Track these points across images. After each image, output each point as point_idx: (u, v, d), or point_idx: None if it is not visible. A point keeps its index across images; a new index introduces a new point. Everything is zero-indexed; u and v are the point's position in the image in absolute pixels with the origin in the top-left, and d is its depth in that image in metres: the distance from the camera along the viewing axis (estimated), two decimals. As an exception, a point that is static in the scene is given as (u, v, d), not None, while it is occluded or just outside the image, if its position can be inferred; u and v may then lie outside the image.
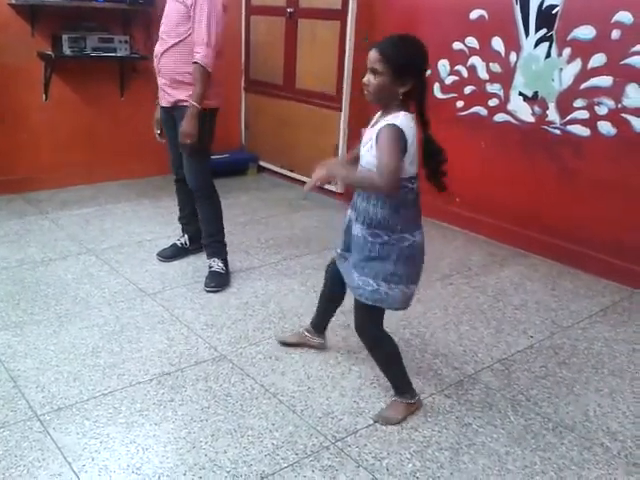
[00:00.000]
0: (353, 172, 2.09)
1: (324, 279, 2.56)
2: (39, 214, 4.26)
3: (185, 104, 3.12)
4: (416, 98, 2.01)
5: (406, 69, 1.96)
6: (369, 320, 2.23)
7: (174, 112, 3.21)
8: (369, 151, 2.02)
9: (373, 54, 1.97)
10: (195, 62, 3.05)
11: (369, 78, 2.00)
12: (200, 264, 3.51)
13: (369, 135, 2.05)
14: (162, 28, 3.16)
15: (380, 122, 2.01)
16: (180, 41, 3.08)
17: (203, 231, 3.42)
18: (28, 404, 2.28)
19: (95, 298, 3.11)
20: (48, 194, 4.64)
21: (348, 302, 2.68)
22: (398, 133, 1.94)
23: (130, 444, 2.10)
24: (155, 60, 3.22)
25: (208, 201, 3.34)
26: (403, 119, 1.97)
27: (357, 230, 2.13)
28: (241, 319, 2.98)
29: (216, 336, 2.81)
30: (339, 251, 2.33)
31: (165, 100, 3.22)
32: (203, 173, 3.29)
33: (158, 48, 3.18)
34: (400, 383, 2.33)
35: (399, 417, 2.28)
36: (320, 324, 2.69)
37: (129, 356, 2.62)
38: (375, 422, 2.27)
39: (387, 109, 2.04)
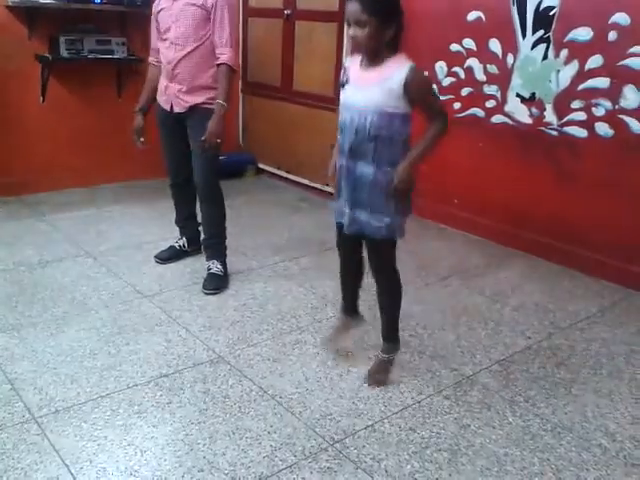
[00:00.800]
0: (415, 152, 2.12)
1: (342, 258, 2.53)
2: (36, 216, 4.26)
3: (203, 106, 3.13)
4: (397, 39, 2.09)
5: (389, 13, 2.02)
6: (393, 256, 2.34)
7: (187, 116, 3.19)
8: (381, 93, 2.05)
9: (353, 6, 2.00)
10: (222, 63, 3.07)
11: (355, 31, 2.02)
12: (198, 266, 3.51)
13: (374, 78, 2.07)
14: (173, 33, 3.07)
15: (385, 68, 2.06)
16: (200, 45, 3.07)
17: (205, 232, 3.41)
18: (25, 406, 2.27)
19: (92, 300, 3.10)
20: (45, 196, 4.63)
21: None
22: (423, 72, 2.10)
23: (128, 446, 2.10)
24: (168, 67, 3.14)
25: (214, 202, 3.33)
26: (409, 60, 2.07)
27: (380, 175, 2.14)
28: (239, 321, 2.97)
29: (214, 338, 2.80)
30: (347, 211, 2.25)
31: (179, 106, 3.18)
32: (213, 173, 3.28)
33: (173, 54, 3.10)
34: (396, 329, 2.50)
35: (390, 376, 2.49)
36: (349, 304, 2.65)
37: (126, 358, 2.61)
38: (368, 385, 2.45)
39: (377, 56, 2.09)
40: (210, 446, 2.11)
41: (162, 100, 3.28)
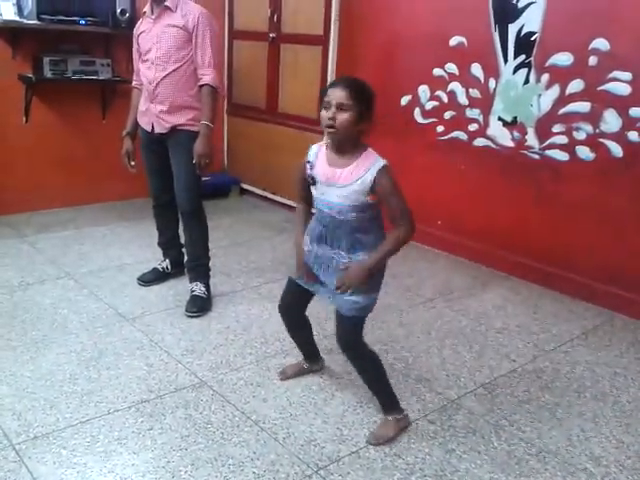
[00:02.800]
0: (375, 256, 2.09)
1: (284, 320, 2.53)
2: (17, 237, 4.20)
3: (185, 127, 3.14)
4: (367, 133, 2.10)
5: (368, 106, 2.05)
6: (359, 333, 2.27)
7: (169, 137, 3.19)
8: (353, 193, 2.05)
9: (339, 91, 2.01)
10: (205, 84, 3.09)
11: (335, 114, 2.01)
12: (181, 288, 3.48)
13: (345, 178, 2.07)
14: (154, 54, 3.10)
15: (355, 167, 2.06)
16: (180, 66, 3.09)
17: (188, 254, 3.39)
18: (3, 432, 2.22)
19: (73, 323, 3.06)
20: (27, 217, 4.59)
21: (330, 326, 2.67)
22: (393, 172, 2.04)
23: (108, 474, 2.05)
24: (149, 87, 3.16)
25: (197, 223, 3.32)
26: (378, 156, 2.07)
27: (357, 257, 2.14)
28: (222, 344, 2.94)
29: (196, 362, 2.77)
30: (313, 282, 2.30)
31: (160, 126, 3.18)
32: (196, 195, 3.28)
33: (154, 75, 3.12)
34: (388, 399, 2.36)
35: (390, 434, 2.30)
36: (310, 352, 2.68)
37: (107, 383, 2.57)
38: (368, 443, 2.26)
39: (343, 147, 2.10)
40: (192, 473, 2.07)
41: (143, 121, 3.28)
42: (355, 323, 2.23)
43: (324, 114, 2.04)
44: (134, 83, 3.38)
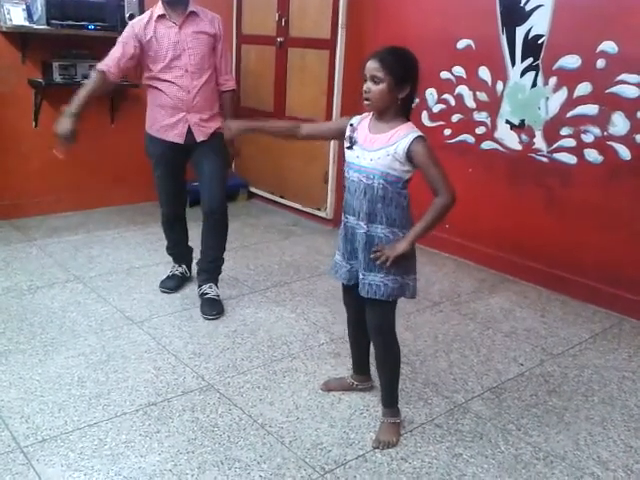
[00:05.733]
0: (418, 227, 2.13)
1: (349, 315, 2.49)
2: (27, 241, 4.23)
3: (220, 131, 3.10)
4: (408, 103, 2.16)
5: (404, 76, 2.09)
6: (393, 317, 2.28)
7: (203, 143, 3.19)
8: (386, 158, 2.08)
9: (373, 63, 2.08)
10: (230, 90, 3.23)
11: (369, 86, 2.09)
12: (188, 291, 3.49)
13: (380, 142, 2.10)
14: (186, 61, 3.05)
15: (393, 133, 2.09)
16: (212, 73, 3.16)
17: (207, 255, 3.35)
18: (12, 435, 2.24)
19: (81, 327, 3.07)
20: (36, 220, 4.62)
21: (337, 329, 2.66)
22: (429, 143, 2.10)
23: (115, 476, 2.06)
24: (187, 96, 3.10)
25: (225, 226, 3.33)
26: (416, 128, 2.11)
27: (377, 231, 2.16)
28: (229, 347, 2.95)
29: (204, 365, 2.78)
30: (345, 263, 2.29)
31: (202, 134, 3.17)
32: (225, 198, 3.31)
33: (191, 83, 3.08)
34: (393, 399, 2.37)
35: (397, 438, 2.31)
36: (362, 365, 2.60)
37: (115, 386, 2.58)
38: (376, 448, 2.26)
39: (384, 115, 2.14)
40: (198, 476, 2.08)
41: (170, 135, 3.17)
42: (386, 305, 2.22)
43: (363, 87, 2.10)
44: (105, 68, 3.18)
